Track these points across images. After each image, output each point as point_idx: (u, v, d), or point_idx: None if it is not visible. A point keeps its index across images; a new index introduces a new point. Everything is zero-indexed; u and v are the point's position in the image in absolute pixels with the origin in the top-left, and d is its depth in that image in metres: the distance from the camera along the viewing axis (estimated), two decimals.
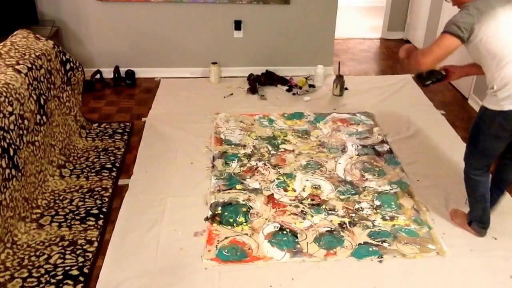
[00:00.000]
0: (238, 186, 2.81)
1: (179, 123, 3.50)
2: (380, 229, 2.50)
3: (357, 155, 3.16)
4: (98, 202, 2.65)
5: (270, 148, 3.21)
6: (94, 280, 2.17)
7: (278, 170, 2.97)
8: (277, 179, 2.89)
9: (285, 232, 2.47)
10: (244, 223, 2.52)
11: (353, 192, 2.79)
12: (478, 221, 2.45)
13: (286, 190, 2.79)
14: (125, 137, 3.31)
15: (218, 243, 2.38)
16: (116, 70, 4.13)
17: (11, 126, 2.31)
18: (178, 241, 2.40)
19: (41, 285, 2.10)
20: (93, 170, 2.92)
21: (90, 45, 4.18)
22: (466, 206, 2.68)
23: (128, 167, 3.00)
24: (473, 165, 2.36)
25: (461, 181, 2.88)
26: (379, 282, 2.19)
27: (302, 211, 2.63)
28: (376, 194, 2.77)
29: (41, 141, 2.64)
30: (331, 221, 2.56)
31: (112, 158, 3.06)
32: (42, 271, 2.18)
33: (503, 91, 2.08)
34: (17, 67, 2.55)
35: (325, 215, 2.60)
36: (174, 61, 4.32)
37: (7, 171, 2.24)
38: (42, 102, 2.70)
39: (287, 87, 4.12)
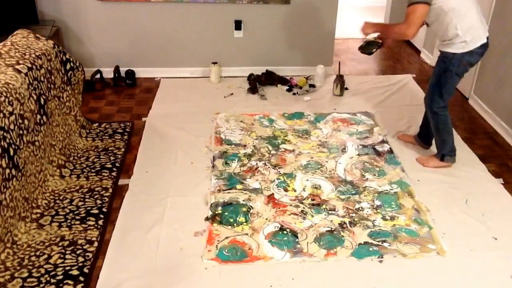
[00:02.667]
0: (238, 186, 2.81)
1: (179, 123, 3.50)
2: (380, 229, 2.50)
3: (358, 155, 3.16)
4: (98, 202, 2.65)
5: (271, 148, 3.21)
6: (94, 280, 2.17)
7: (279, 170, 2.97)
8: (277, 179, 2.89)
9: (285, 232, 2.47)
10: (245, 223, 2.52)
11: (353, 192, 2.79)
12: (450, 152, 2.97)
13: (286, 190, 2.79)
14: (125, 137, 3.31)
15: (218, 243, 2.38)
16: (116, 70, 4.13)
17: (11, 126, 2.31)
18: (178, 241, 2.40)
19: (41, 285, 2.10)
20: (93, 170, 2.92)
21: (90, 45, 4.18)
22: (466, 206, 2.69)
23: (128, 167, 3.00)
24: (441, 104, 2.84)
25: (462, 181, 2.90)
26: (379, 282, 2.19)
27: (302, 211, 2.63)
28: (376, 194, 2.77)
29: (41, 141, 2.64)
30: (331, 221, 2.56)
31: (112, 158, 3.06)
32: (42, 271, 2.18)
33: (468, 34, 2.62)
34: (17, 67, 2.55)
35: (325, 215, 2.60)
36: (174, 61, 4.32)
37: (7, 171, 2.24)
38: (42, 102, 2.70)
39: (287, 87, 4.12)
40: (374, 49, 3.00)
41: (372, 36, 3.00)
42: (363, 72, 4.61)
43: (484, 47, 2.70)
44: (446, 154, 2.97)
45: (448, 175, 2.96)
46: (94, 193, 2.72)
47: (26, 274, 2.15)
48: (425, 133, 3.19)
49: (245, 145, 3.23)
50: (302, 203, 2.69)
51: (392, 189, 2.82)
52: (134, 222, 2.52)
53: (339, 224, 2.53)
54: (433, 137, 3.13)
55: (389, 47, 3.04)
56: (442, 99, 2.83)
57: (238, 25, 4.17)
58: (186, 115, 3.62)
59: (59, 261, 2.24)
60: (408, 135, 3.36)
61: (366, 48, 3.03)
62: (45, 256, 2.26)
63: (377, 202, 2.71)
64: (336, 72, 4.19)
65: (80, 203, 2.63)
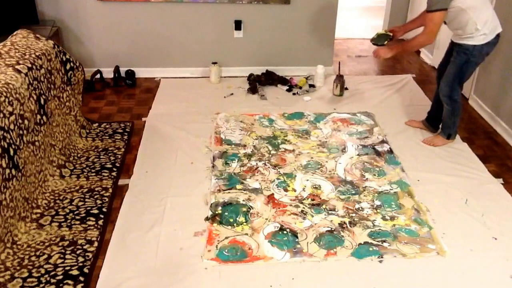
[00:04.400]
0: (238, 186, 2.81)
1: (179, 123, 3.50)
2: (380, 229, 2.50)
3: (357, 155, 3.16)
4: (98, 202, 2.65)
5: (270, 148, 3.21)
6: (94, 280, 2.17)
7: (278, 170, 2.97)
8: (277, 179, 2.89)
9: (285, 232, 2.47)
10: (244, 223, 2.52)
11: (353, 192, 2.79)
12: (456, 130, 3.23)
13: (286, 190, 2.79)
14: (125, 137, 3.31)
15: (218, 243, 2.38)
16: (116, 70, 4.13)
17: (11, 126, 2.31)
18: (178, 241, 2.40)
19: (41, 285, 2.10)
20: (93, 170, 2.92)
21: (90, 45, 4.18)
22: (466, 206, 2.69)
23: (128, 167, 3.00)
24: (459, 92, 3.03)
25: (462, 181, 2.90)
26: (379, 282, 2.19)
27: (302, 211, 2.63)
28: (376, 194, 2.77)
29: (41, 141, 2.64)
30: (331, 221, 2.56)
31: (112, 158, 3.06)
32: (42, 271, 2.18)
33: (486, 28, 2.76)
34: (17, 67, 2.55)
35: (325, 215, 2.60)
36: (174, 61, 4.32)
37: (7, 171, 2.24)
38: (42, 102, 2.70)
39: (287, 87, 4.12)
40: (386, 42, 3.18)
41: (383, 29, 3.17)
42: (363, 72, 4.61)
43: (498, 37, 2.85)
44: (452, 133, 3.20)
45: (448, 175, 2.96)
46: (94, 193, 2.72)
47: (26, 274, 2.15)
48: (434, 118, 3.34)
49: (245, 145, 3.23)
50: (302, 203, 2.69)
51: (392, 189, 2.82)
52: (134, 222, 2.52)
53: (339, 224, 2.53)
54: (441, 121, 3.30)
55: (397, 37, 3.28)
56: (460, 87, 3.03)
57: (238, 25, 4.17)
58: (186, 115, 3.62)
59: (59, 261, 2.24)
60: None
61: (378, 39, 3.22)
62: (45, 256, 2.26)
63: (377, 202, 2.71)
64: (336, 72, 4.19)
65: (80, 203, 2.63)
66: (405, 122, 3.54)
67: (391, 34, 3.20)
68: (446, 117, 3.16)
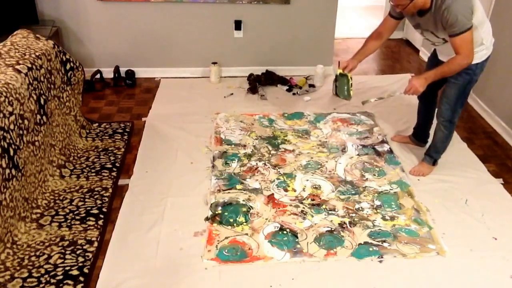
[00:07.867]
0: (238, 186, 2.81)
1: (179, 123, 3.50)
2: (380, 229, 2.50)
3: (357, 155, 3.16)
4: (98, 202, 2.65)
5: (270, 148, 3.21)
6: (94, 280, 2.17)
7: (278, 170, 2.97)
8: (277, 179, 2.89)
9: (285, 232, 2.47)
10: (244, 223, 2.52)
11: (353, 192, 2.79)
12: (441, 156, 3.00)
13: (286, 190, 2.79)
14: (125, 137, 3.31)
15: (218, 243, 2.38)
16: (116, 70, 4.13)
17: (11, 126, 2.31)
18: (178, 241, 2.40)
19: (41, 285, 2.10)
20: (93, 170, 2.92)
21: (90, 45, 4.18)
22: (466, 206, 2.69)
23: (128, 167, 3.00)
24: (459, 113, 2.81)
25: (462, 181, 2.90)
26: (379, 282, 2.19)
27: (302, 211, 2.63)
28: (376, 194, 2.77)
29: (41, 141, 2.64)
30: (331, 221, 2.56)
31: (112, 158, 3.06)
32: (42, 271, 2.18)
33: (488, 41, 2.64)
34: (17, 67, 2.55)
35: (325, 215, 2.60)
36: (174, 61, 4.32)
37: (7, 171, 2.24)
38: (42, 102, 2.70)
39: (287, 87, 4.12)
40: (351, 88, 2.91)
41: (339, 71, 2.91)
42: (363, 72, 4.61)
43: None
44: (438, 159, 2.98)
45: (448, 175, 2.96)
46: (94, 193, 2.72)
47: (26, 274, 2.15)
48: (421, 133, 3.21)
49: (245, 145, 3.23)
50: (302, 203, 2.69)
51: (392, 189, 2.82)
52: (134, 222, 2.52)
53: (339, 224, 2.54)
54: (428, 135, 3.17)
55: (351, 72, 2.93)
56: (461, 108, 2.79)
57: (238, 25, 4.16)
58: (186, 115, 3.62)
59: (59, 261, 2.24)
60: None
61: (341, 89, 2.95)
62: (45, 256, 2.26)
63: (377, 202, 2.71)
64: (336, 72, 4.18)
65: (80, 203, 2.63)
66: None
67: (347, 71, 2.87)
68: (439, 141, 2.90)
